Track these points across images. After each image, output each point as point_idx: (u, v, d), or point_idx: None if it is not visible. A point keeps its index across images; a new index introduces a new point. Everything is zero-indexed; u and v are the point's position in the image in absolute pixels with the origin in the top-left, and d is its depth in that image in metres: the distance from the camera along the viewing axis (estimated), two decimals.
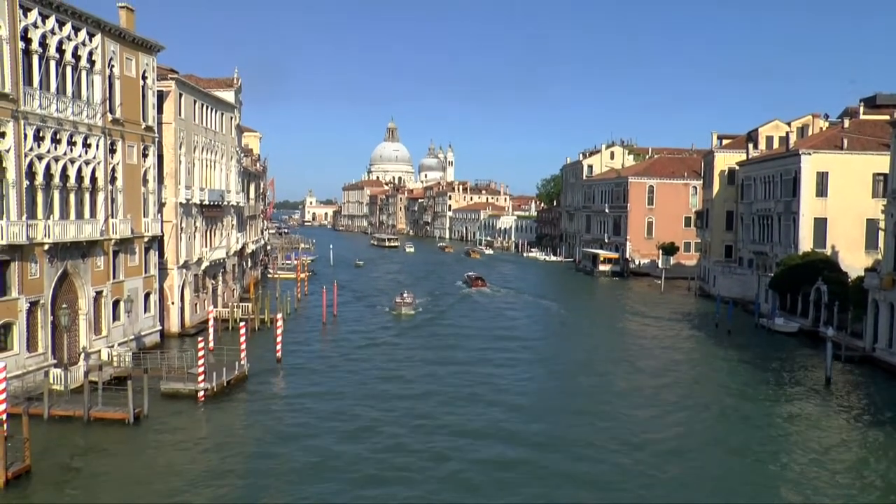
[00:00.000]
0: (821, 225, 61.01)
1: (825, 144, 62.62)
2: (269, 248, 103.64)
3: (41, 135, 34.91)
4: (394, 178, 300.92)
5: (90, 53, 38.80)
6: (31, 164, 34.27)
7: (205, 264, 55.83)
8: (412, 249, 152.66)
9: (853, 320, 48.80)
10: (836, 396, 37.74)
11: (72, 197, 37.64)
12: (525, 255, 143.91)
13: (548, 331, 58.56)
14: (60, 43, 36.28)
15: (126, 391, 30.90)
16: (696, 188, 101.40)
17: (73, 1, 36.57)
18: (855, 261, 57.74)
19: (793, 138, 70.72)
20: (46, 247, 34.76)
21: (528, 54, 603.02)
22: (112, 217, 40.87)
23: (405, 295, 65.36)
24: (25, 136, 33.66)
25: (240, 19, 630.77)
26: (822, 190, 61.07)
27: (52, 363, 35.19)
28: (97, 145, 39.35)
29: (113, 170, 41.21)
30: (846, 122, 65.82)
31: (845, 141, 61.31)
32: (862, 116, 66.78)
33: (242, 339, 39.83)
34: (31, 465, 25.08)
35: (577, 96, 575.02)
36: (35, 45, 34.37)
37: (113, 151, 41.18)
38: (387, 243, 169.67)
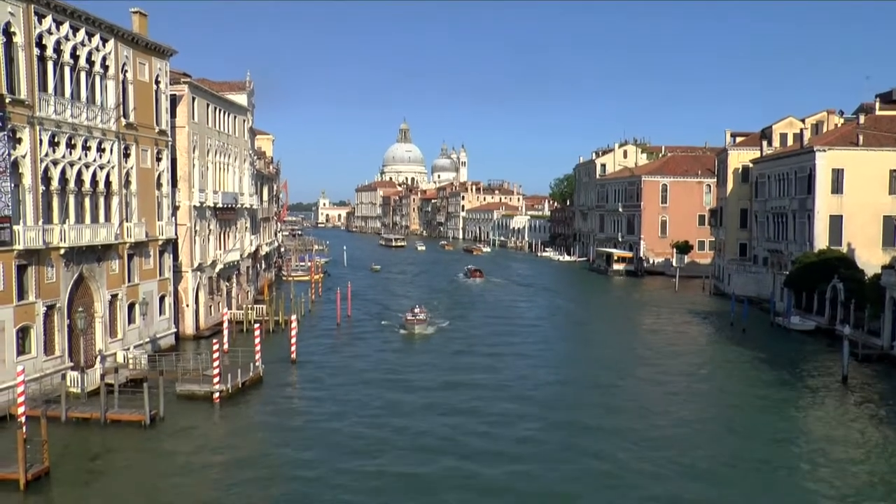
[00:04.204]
0: (836, 222, 60.44)
1: (840, 141, 62.07)
2: (282, 249, 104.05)
3: (56, 140, 35.25)
4: (407, 178, 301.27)
5: (104, 58, 39.10)
6: (46, 170, 34.61)
7: (219, 267, 56.16)
8: (423, 248, 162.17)
9: (870, 318, 48.34)
10: (853, 395, 37.44)
11: (87, 201, 37.98)
12: (539, 254, 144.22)
13: (563, 329, 58.41)
14: (74, 48, 36.61)
15: (142, 393, 31.18)
16: (709, 186, 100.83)
17: (87, 7, 36.96)
18: (871, 258, 57.15)
19: (807, 135, 70.18)
20: (62, 251, 35.08)
21: (541, 54, 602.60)
22: (126, 221, 41.20)
23: (416, 310, 56.82)
24: (41, 141, 34.01)
25: (252, 22, 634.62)
26: (837, 187, 60.50)
27: (68, 366, 35.55)
28: (111, 150, 39.68)
29: (127, 174, 41.55)
30: (861, 118, 65.15)
31: (861, 137, 60.77)
32: (878, 112, 66.08)
33: (257, 340, 40.07)
34: (49, 466, 25.36)
35: (589, 96, 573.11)
36: (49, 52, 34.70)
37: (127, 155, 41.51)
38: (394, 243, 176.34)
